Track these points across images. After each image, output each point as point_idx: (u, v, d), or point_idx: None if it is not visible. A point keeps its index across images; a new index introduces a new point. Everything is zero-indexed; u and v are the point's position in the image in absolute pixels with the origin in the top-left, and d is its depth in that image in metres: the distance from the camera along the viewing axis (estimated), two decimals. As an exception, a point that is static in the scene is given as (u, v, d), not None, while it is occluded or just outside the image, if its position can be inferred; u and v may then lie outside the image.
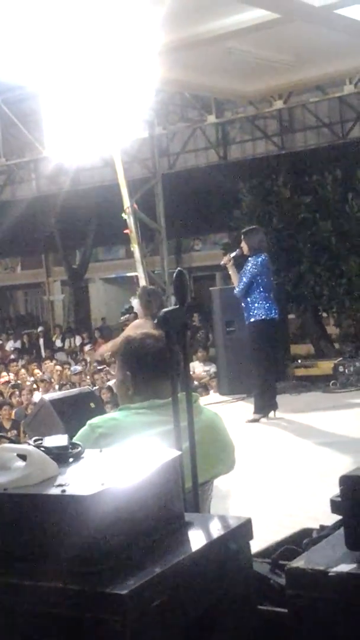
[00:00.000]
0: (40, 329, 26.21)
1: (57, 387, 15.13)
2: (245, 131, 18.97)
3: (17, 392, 14.45)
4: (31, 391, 14.55)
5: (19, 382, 16.03)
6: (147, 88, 12.49)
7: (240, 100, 14.72)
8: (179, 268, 2.80)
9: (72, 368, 17.45)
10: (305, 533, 2.41)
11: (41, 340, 24.35)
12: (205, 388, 13.45)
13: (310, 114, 17.89)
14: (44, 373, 17.08)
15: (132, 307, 10.70)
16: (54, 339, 24.80)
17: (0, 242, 23.46)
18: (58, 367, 17.60)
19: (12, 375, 17.17)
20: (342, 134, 17.68)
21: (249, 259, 9.05)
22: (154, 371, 3.01)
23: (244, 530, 2.01)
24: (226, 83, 11.75)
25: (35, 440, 2.09)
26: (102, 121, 12.83)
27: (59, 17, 8.56)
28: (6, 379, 16.82)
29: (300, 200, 13.77)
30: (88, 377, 15.69)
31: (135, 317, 9.16)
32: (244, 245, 9.15)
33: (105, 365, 16.30)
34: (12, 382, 16.08)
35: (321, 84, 14.80)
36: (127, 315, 10.08)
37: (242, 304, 9.09)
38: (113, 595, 1.66)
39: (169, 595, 1.75)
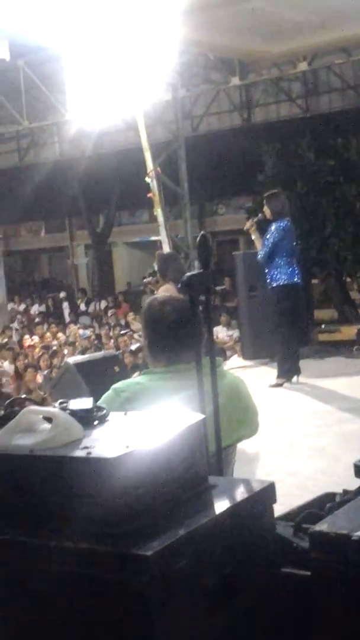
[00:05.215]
0: (62, 294, 26.21)
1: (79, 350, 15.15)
2: (269, 93, 18.76)
3: (47, 356, 14.45)
4: (61, 355, 14.49)
5: (49, 345, 16.02)
6: (170, 49, 12.37)
7: (264, 62, 14.55)
8: (202, 232, 2.78)
9: (81, 332, 17.34)
10: (328, 497, 2.42)
11: (65, 304, 24.41)
12: (222, 352, 13.38)
13: (335, 76, 17.66)
14: (68, 337, 17.13)
15: (155, 272, 10.70)
16: (78, 302, 24.86)
17: (23, 205, 23.44)
18: (82, 331, 17.62)
19: (36, 339, 17.24)
20: (367, 96, 17.45)
21: (272, 223, 9.00)
22: (170, 340, 3.01)
23: (267, 493, 2.02)
24: (250, 44, 11.62)
25: (60, 403, 2.11)
26: (124, 83, 12.75)
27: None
28: (31, 342, 16.89)
29: (325, 163, 13.62)
30: (112, 340, 15.71)
31: (157, 281, 9.13)
32: (266, 209, 9.10)
33: (128, 329, 16.33)
34: (38, 346, 16.11)
35: (346, 46, 14.57)
36: (149, 279, 10.05)
37: (265, 269, 9.06)
38: (138, 556, 1.68)
39: (193, 557, 1.77)
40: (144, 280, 22.86)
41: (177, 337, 2.97)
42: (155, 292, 8.50)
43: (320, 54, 15.05)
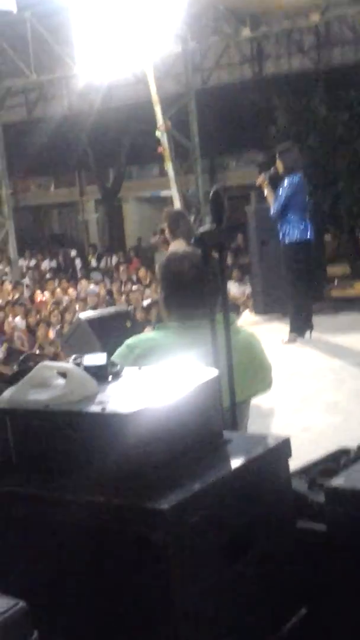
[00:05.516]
0: (74, 252, 26.11)
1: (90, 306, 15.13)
2: (280, 46, 18.50)
3: (57, 311, 14.47)
4: (72, 310, 14.48)
5: (60, 300, 16.02)
6: (179, 0, 12.19)
7: (275, 13, 14.32)
8: (215, 187, 2.75)
9: (91, 287, 17.29)
10: (343, 452, 2.42)
11: (77, 261, 24.35)
12: (235, 307, 13.36)
13: (348, 28, 17.38)
14: (79, 292, 17.13)
15: (162, 230, 10.63)
16: (89, 258, 24.81)
17: (33, 160, 23.29)
18: (92, 286, 17.62)
19: (48, 295, 17.25)
20: (381, 48, 17.20)
21: (284, 178, 8.92)
22: (187, 296, 2.99)
23: (283, 448, 2.02)
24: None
25: (74, 359, 2.11)
26: (133, 36, 12.59)
27: None
28: (42, 298, 16.91)
29: (337, 117, 13.46)
30: (123, 295, 15.72)
31: (166, 239, 9.02)
32: (278, 164, 9.01)
33: (140, 285, 16.33)
34: (49, 302, 16.14)
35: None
36: (156, 237, 9.96)
37: (278, 224, 9.00)
38: (154, 510, 1.69)
39: (209, 511, 1.77)
40: (152, 241, 22.80)
41: (195, 293, 2.94)
42: (165, 249, 8.41)
43: (333, 5, 14.80)
